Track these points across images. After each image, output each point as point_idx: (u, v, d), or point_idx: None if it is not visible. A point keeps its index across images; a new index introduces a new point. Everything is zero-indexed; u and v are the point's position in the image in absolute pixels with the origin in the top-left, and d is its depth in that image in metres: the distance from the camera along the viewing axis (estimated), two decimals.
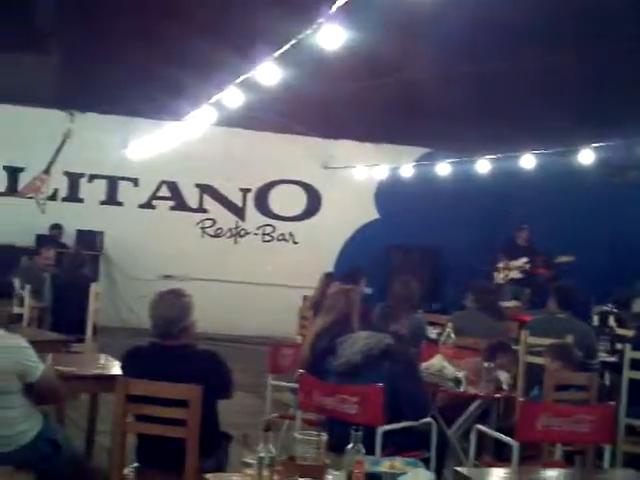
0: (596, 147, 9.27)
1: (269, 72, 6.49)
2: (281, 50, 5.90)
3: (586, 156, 9.42)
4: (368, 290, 12.09)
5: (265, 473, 3.21)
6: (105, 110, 13.89)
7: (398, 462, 3.70)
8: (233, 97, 7.69)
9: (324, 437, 3.53)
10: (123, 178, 14.64)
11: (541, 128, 11.01)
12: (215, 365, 4.94)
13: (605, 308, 12.38)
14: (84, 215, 14.28)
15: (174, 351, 4.86)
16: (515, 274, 13.64)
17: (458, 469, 4.14)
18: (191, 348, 4.92)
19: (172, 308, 4.86)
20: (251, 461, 3.31)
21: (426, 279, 13.99)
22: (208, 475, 3.66)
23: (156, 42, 8.99)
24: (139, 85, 11.41)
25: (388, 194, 15.15)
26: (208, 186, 14.98)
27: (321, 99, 11.94)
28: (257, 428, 6.39)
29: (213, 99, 8.21)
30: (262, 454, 3.26)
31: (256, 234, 15.23)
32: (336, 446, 3.74)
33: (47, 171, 14.42)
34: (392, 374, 5.70)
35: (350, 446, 3.32)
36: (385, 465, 3.63)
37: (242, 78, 7.01)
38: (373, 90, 11.48)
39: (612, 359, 8.23)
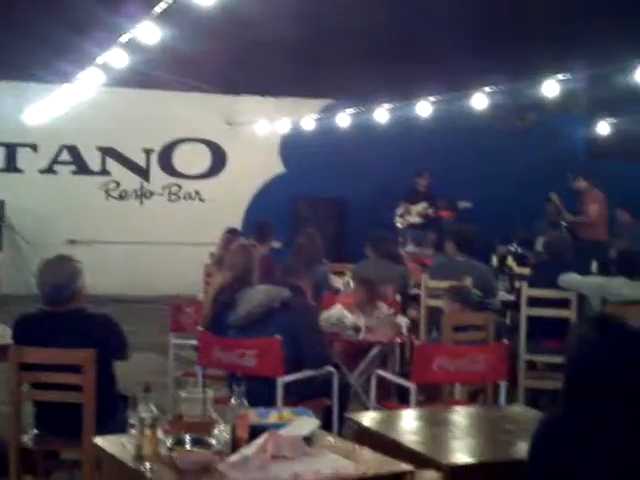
0: (489, 92, 9.36)
1: (149, 31, 6.42)
2: (157, 7, 5.82)
3: (479, 100, 9.50)
4: (277, 244, 12.14)
5: (147, 433, 3.23)
6: None
7: (286, 413, 3.75)
8: (118, 57, 7.59)
9: (209, 394, 3.56)
10: (21, 144, 14.32)
11: (436, 71, 11.04)
12: (108, 327, 4.93)
13: (510, 248, 12.67)
14: None
15: (64, 317, 4.84)
16: (414, 219, 13.80)
17: (349, 416, 4.22)
18: (82, 312, 4.90)
19: (59, 274, 4.83)
20: (135, 422, 3.33)
21: (332, 230, 14.11)
22: (97, 438, 3.66)
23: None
24: (30, 48, 11.12)
25: (292, 147, 15.14)
26: (110, 148, 14.75)
27: (218, 55, 11.82)
28: (162, 387, 6.47)
29: (99, 60, 8.09)
30: (143, 414, 3.27)
31: (162, 194, 15.09)
32: None
33: None
34: (291, 326, 5.78)
35: (232, 400, 3.36)
36: (273, 416, 3.67)
37: (125, 38, 6.91)
38: (270, 44, 11.40)
39: (511, 298, 8.41)
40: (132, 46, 7.16)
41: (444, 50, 10.27)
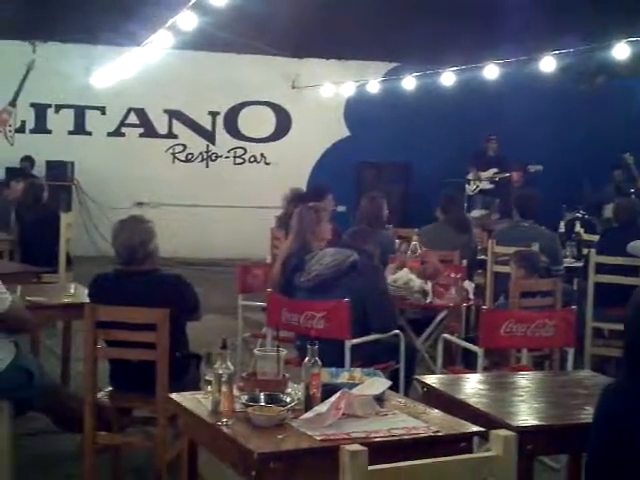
0: (557, 54, 9.22)
1: None
2: None
3: (547, 63, 9.36)
4: (341, 208, 12.15)
5: (224, 389, 3.30)
6: (66, 39, 13.72)
7: (357, 373, 3.80)
8: (187, 20, 7.63)
9: (283, 352, 3.62)
10: (90, 107, 14.53)
11: (505, 33, 10.91)
12: (180, 288, 5.00)
13: (577, 215, 12.51)
14: (53, 146, 14.20)
15: (139, 277, 4.92)
16: (485, 185, 13.68)
17: (418, 377, 4.25)
18: (155, 273, 4.98)
19: (133, 235, 4.90)
20: (211, 378, 3.40)
21: (397, 194, 14.10)
22: (173, 394, 3.75)
23: None
24: (99, 10, 11.27)
25: (357, 111, 15.10)
26: (176, 111, 14.89)
27: (285, 17, 11.83)
28: (231, 348, 6.55)
29: (169, 22, 8.16)
30: (220, 371, 3.34)
31: (227, 157, 15.21)
32: None
33: (13, 103, 14.29)
34: (359, 289, 5.80)
35: (307, 359, 3.42)
36: (344, 376, 3.73)
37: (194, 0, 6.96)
38: (336, 6, 11.38)
39: (578, 264, 8.34)
40: (201, 8, 7.20)
41: (514, 12, 10.15)
